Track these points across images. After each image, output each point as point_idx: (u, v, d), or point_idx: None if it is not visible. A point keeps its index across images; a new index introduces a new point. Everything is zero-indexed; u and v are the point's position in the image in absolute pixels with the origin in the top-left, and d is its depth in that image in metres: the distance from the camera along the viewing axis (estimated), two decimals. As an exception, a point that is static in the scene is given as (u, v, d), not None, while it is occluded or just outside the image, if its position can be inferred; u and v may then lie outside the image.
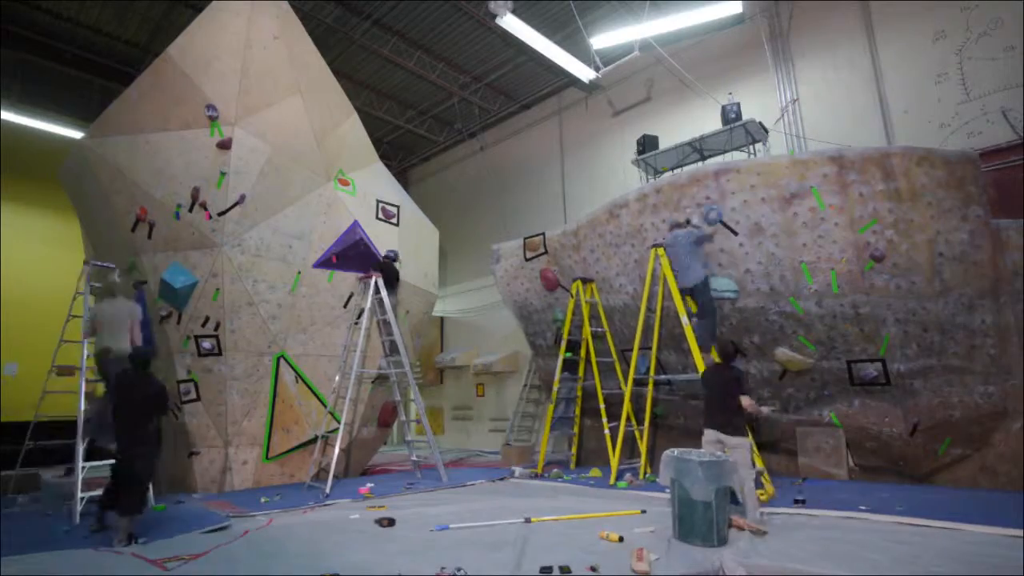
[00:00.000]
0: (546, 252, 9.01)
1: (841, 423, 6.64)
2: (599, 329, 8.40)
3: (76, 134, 10.20)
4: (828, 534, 4.43)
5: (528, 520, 5.08)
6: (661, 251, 7.06)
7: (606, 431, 7.62)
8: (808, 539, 4.29)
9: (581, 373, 8.64)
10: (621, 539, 4.29)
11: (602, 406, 7.88)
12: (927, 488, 5.94)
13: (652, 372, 7.57)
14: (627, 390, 7.41)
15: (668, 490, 4.69)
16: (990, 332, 5.92)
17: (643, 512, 5.42)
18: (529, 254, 9.21)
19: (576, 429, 8.99)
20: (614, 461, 7.26)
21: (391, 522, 5.11)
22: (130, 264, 7.43)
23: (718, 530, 4.17)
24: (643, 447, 7.60)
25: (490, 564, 3.86)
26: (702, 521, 4.20)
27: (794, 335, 6.64)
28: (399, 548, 4.32)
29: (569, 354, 8.52)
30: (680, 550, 4.10)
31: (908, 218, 5.99)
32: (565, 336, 8.43)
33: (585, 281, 8.40)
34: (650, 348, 7.97)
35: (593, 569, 3.57)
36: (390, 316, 8.09)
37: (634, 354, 7.34)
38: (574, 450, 9.05)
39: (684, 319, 6.63)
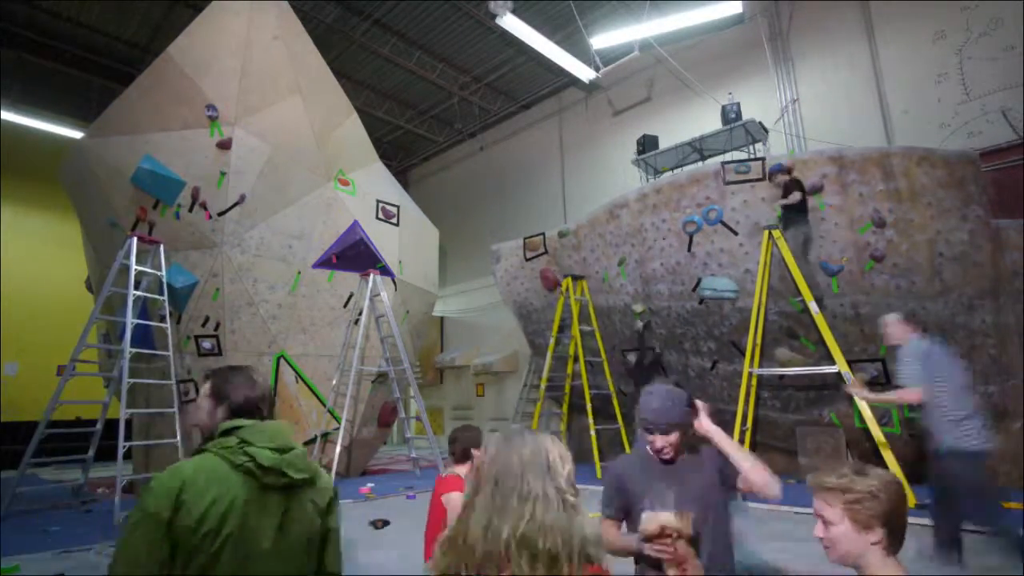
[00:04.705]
0: (546, 252, 9.01)
1: (841, 423, 6.63)
2: (588, 327, 8.38)
3: (76, 134, 10.21)
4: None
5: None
6: (777, 233, 6.27)
7: (592, 432, 7.72)
8: (808, 539, 4.29)
9: (569, 372, 8.63)
10: None
11: (589, 405, 7.92)
12: (927, 488, 5.93)
13: (752, 363, 6.65)
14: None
15: None
16: (990, 332, 5.92)
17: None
18: (529, 254, 9.22)
19: (563, 427, 9.04)
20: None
21: (385, 523, 5.11)
22: None
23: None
24: (627, 446, 7.93)
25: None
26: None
27: (794, 335, 6.63)
28: (397, 549, 4.32)
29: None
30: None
31: (908, 218, 5.98)
32: (555, 333, 8.47)
33: (575, 278, 8.37)
34: (647, 348, 7.99)
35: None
36: (389, 315, 8.09)
37: (748, 349, 6.58)
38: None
39: (813, 306, 5.94)
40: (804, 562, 3.73)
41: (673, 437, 1.91)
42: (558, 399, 9.06)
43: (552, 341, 8.52)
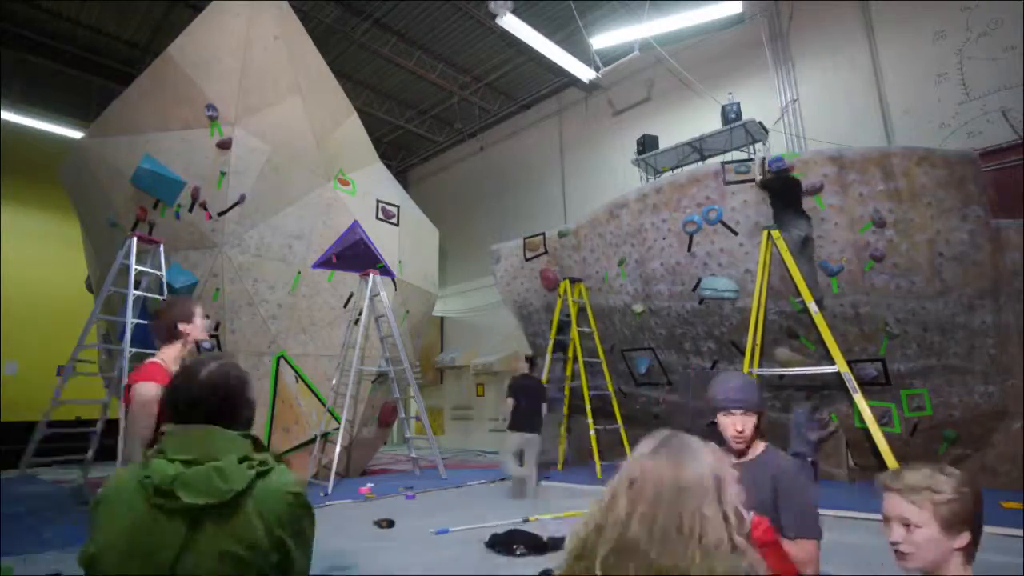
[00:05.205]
0: (546, 252, 9.01)
1: (841, 423, 6.64)
2: (587, 329, 8.40)
3: (76, 134, 10.21)
4: (828, 534, 4.42)
5: (526, 520, 5.09)
6: (776, 233, 6.34)
7: (591, 432, 7.71)
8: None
9: (568, 373, 8.62)
10: None
11: (588, 407, 7.92)
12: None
13: (752, 364, 6.59)
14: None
15: None
16: (990, 332, 5.92)
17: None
18: (529, 254, 9.21)
19: (563, 430, 8.95)
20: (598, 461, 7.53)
21: (390, 523, 5.11)
22: None
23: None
24: (627, 446, 7.82)
25: (489, 566, 3.86)
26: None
27: (794, 335, 6.63)
28: (396, 549, 4.32)
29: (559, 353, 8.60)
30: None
31: (908, 218, 5.99)
32: (553, 335, 8.47)
33: (573, 281, 8.41)
34: (647, 348, 8.00)
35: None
36: (389, 315, 8.08)
37: (747, 350, 6.59)
38: (561, 450, 8.99)
39: (813, 307, 6.04)
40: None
41: (752, 420, 1.88)
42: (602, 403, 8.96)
43: (551, 343, 8.54)
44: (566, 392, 8.72)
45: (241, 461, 1.19)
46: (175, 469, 1.14)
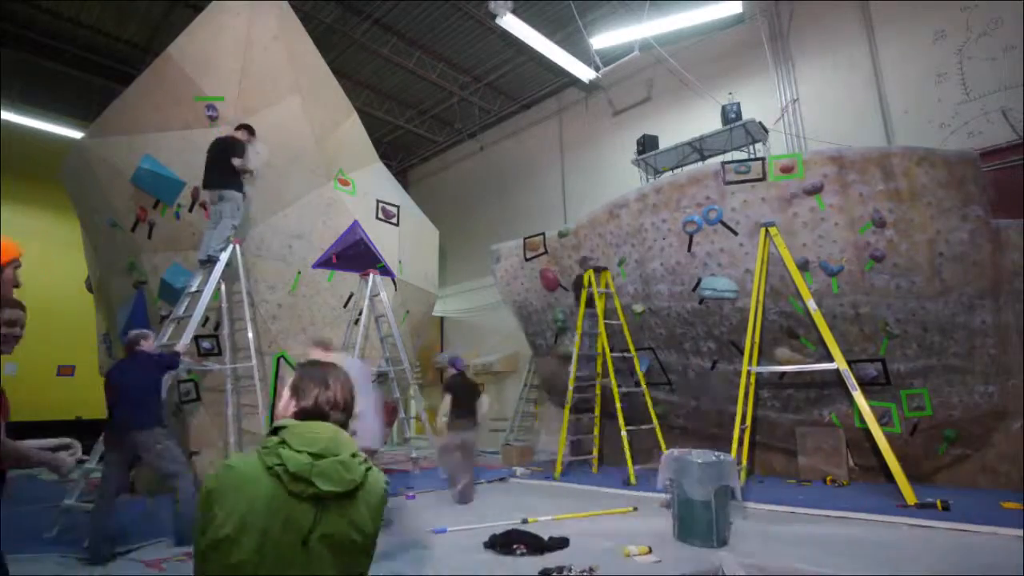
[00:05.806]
0: (546, 252, 9.00)
1: (841, 423, 6.64)
2: (615, 322, 7.92)
3: (76, 134, 10.21)
4: (828, 534, 4.43)
5: (525, 521, 5.09)
6: (774, 230, 6.25)
7: (623, 432, 7.36)
8: (808, 539, 4.29)
9: (599, 369, 8.30)
10: (650, 550, 4.00)
11: (619, 406, 7.51)
12: (927, 488, 5.94)
13: (751, 362, 6.53)
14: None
15: (663, 490, 4.73)
16: (990, 332, 5.92)
17: (635, 509, 5.54)
18: (529, 254, 9.21)
19: (596, 431, 8.45)
20: (630, 464, 7.16)
21: (387, 522, 5.11)
22: (129, 264, 7.43)
23: (717, 531, 4.16)
24: (663, 447, 7.30)
25: (488, 566, 3.86)
26: (701, 521, 4.20)
27: (794, 335, 6.63)
28: (394, 549, 4.32)
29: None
30: (680, 550, 4.10)
31: (908, 218, 5.98)
32: (579, 330, 8.03)
33: (598, 270, 7.96)
34: (647, 348, 7.99)
35: (591, 570, 3.57)
36: (389, 315, 8.09)
37: (746, 348, 6.48)
38: (595, 452, 8.44)
39: (811, 304, 5.99)
40: (807, 562, 3.73)
41: None
42: (588, 400, 8.43)
43: (577, 339, 8.03)
44: (597, 391, 8.28)
45: (352, 457, 1.40)
46: (307, 459, 1.30)
